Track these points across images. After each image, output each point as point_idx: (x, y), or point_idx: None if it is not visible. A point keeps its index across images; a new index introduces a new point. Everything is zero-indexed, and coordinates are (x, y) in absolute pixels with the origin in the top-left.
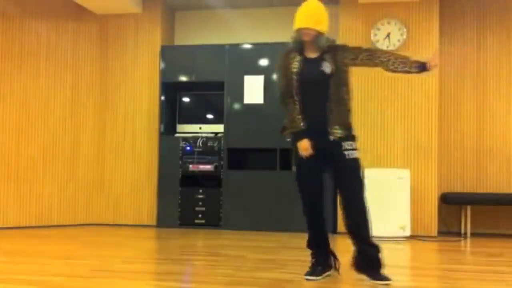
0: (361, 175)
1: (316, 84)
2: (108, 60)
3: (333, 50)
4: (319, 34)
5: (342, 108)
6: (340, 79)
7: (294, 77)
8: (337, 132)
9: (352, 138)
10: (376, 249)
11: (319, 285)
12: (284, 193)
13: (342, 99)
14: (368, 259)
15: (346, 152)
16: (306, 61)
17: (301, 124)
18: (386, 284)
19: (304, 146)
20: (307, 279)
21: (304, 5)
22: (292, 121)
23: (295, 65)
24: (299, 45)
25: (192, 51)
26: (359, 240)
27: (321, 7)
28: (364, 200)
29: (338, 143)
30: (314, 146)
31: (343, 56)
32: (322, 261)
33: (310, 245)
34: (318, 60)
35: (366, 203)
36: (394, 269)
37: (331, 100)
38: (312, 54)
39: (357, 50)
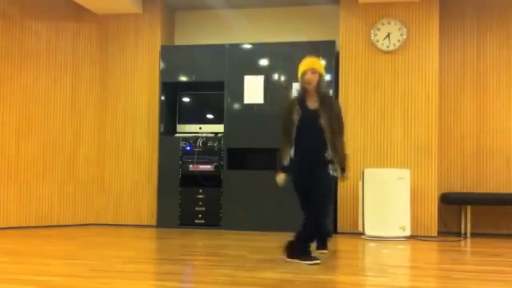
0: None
1: (313, 132)
2: (108, 60)
3: (328, 103)
4: (321, 77)
5: (338, 151)
6: (334, 129)
7: (294, 125)
8: (337, 172)
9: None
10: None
11: (318, 285)
12: (284, 193)
13: (337, 143)
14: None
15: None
16: (305, 111)
17: (285, 161)
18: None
19: (280, 178)
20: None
21: (305, 59)
22: (282, 158)
23: (296, 117)
24: (301, 96)
25: (192, 51)
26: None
27: (319, 60)
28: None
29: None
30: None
31: (335, 114)
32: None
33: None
34: (315, 112)
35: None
36: (394, 269)
37: (331, 148)
38: (311, 105)
39: (335, 124)
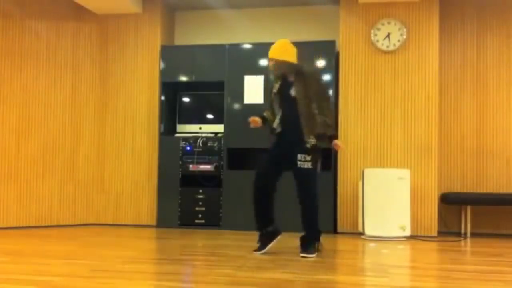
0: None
1: (287, 102)
2: (108, 60)
3: (302, 75)
4: (281, 63)
5: (312, 122)
6: (306, 99)
7: (273, 96)
8: (311, 141)
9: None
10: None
11: (318, 285)
12: (284, 193)
13: (311, 114)
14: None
15: (299, 162)
16: (283, 83)
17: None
18: (305, 257)
19: (254, 119)
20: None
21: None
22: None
23: (275, 87)
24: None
25: (192, 51)
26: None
27: (286, 42)
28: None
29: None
30: (282, 150)
31: (310, 87)
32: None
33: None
34: (290, 83)
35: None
36: (394, 269)
37: (303, 116)
38: (289, 78)
39: (316, 97)
